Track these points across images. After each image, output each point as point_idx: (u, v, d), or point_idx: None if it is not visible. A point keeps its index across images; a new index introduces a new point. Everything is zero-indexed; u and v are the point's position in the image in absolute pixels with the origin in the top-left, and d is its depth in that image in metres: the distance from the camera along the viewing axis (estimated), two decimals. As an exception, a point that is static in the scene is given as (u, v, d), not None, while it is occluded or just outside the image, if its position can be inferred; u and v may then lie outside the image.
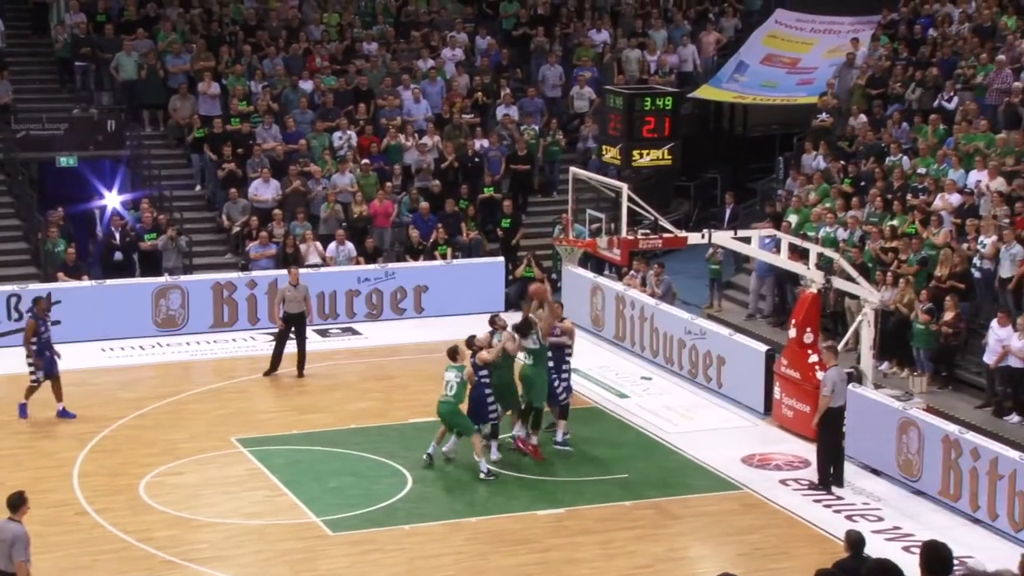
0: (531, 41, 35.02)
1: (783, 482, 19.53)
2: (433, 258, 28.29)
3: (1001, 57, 28.48)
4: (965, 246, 23.74)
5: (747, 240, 23.33)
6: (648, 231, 22.58)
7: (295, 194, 29.11)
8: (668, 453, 20.73)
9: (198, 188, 30.81)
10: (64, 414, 21.60)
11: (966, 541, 16.84)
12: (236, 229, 28.80)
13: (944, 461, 18.54)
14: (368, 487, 19.06)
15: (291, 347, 23.76)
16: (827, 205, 26.81)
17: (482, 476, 19.27)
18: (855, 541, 12.82)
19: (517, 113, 32.47)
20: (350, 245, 27.92)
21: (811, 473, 19.58)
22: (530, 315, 20.17)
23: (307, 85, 31.96)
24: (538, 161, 32.10)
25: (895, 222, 25.09)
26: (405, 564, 16.90)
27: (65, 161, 29.61)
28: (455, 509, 18.53)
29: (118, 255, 27.20)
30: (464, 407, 19.65)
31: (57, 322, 24.71)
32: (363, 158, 30.23)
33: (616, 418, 22.12)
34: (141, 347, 25.32)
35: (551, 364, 20.31)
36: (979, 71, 28.85)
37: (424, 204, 29.45)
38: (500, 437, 20.23)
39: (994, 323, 21.60)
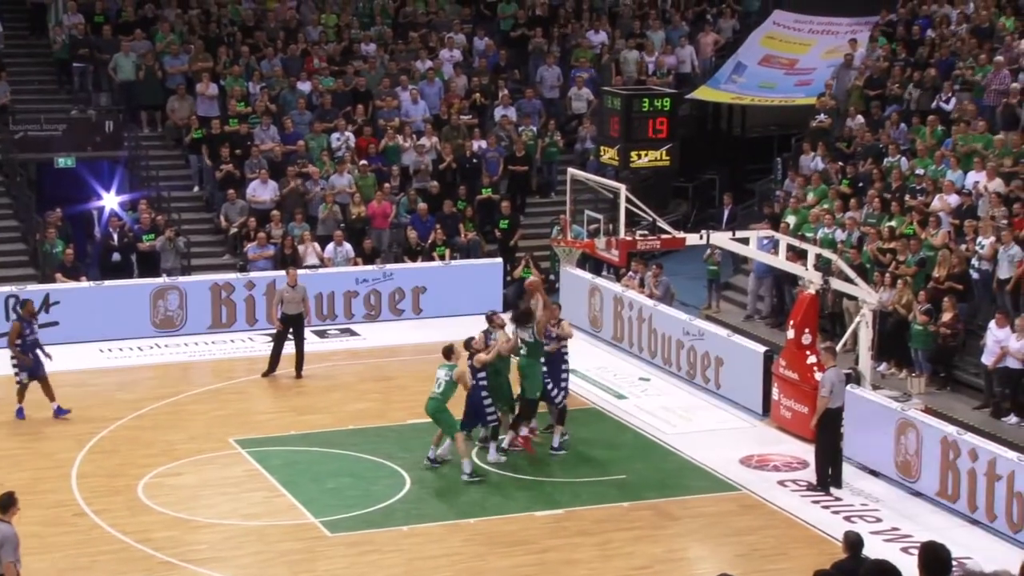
0: (529, 42, 35.01)
1: (781, 483, 19.53)
2: (431, 259, 28.29)
3: (999, 58, 28.49)
4: (963, 247, 23.74)
5: (745, 241, 23.35)
6: (646, 232, 22.59)
7: (293, 195, 29.11)
8: (666, 454, 20.73)
9: (196, 189, 30.81)
10: (59, 412, 21.59)
11: (964, 542, 16.84)
12: (234, 230, 28.80)
13: (942, 462, 18.54)
14: (366, 488, 19.07)
15: (289, 348, 23.76)
16: (825, 206, 26.82)
17: (465, 478, 19.22)
18: (853, 542, 12.83)
19: (515, 114, 32.47)
20: (348, 246, 27.92)
21: (809, 474, 19.58)
22: (530, 305, 20.20)
23: (305, 86, 31.96)
24: (536, 162, 32.10)
25: (893, 223, 25.09)
26: (403, 565, 16.90)
27: (63, 162, 29.60)
28: (453, 510, 18.53)
29: (116, 256, 27.19)
30: (460, 407, 19.64)
31: (55, 323, 24.85)
32: (361, 159, 30.23)
33: (614, 419, 22.12)
34: (139, 348, 25.31)
35: (546, 370, 20.31)
36: (977, 72, 28.86)
37: (422, 205, 29.45)
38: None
39: (992, 324, 21.60)
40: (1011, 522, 17.57)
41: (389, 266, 27.64)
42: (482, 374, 19.70)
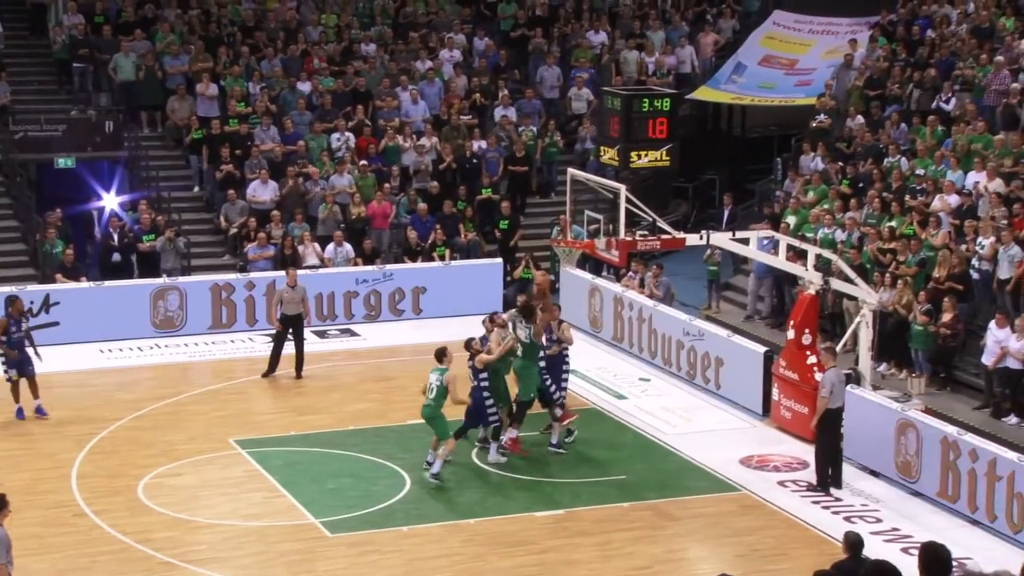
0: (529, 42, 35.01)
1: (781, 483, 19.53)
2: (431, 259, 28.29)
3: (999, 58, 28.49)
4: (963, 247, 23.74)
5: (745, 241, 23.34)
6: (646, 232, 22.59)
7: (293, 195, 29.10)
8: (666, 454, 20.73)
9: (196, 189, 30.80)
10: (39, 411, 21.57)
11: (964, 542, 16.84)
12: (234, 230, 28.80)
13: (942, 462, 18.54)
14: (366, 488, 19.06)
15: (289, 348, 23.76)
16: (825, 206, 26.81)
17: (429, 476, 19.10)
18: (853, 542, 12.82)
19: (515, 114, 32.47)
20: (348, 246, 27.91)
21: (809, 474, 19.58)
22: (535, 302, 20.20)
23: (305, 86, 31.96)
24: (536, 162, 32.10)
25: (893, 223, 25.09)
26: (403, 566, 16.90)
27: (63, 162, 29.60)
28: (453, 511, 18.52)
29: (116, 256, 27.18)
30: (462, 410, 19.66)
31: (56, 323, 24.83)
32: (361, 159, 30.23)
33: (614, 419, 22.12)
34: (139, 348, 25.31)
35: (547, 372, 20.30)
36: (977, 72, 28.85)
37: (422, 205, 29.45)
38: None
39: (992, 324, 21.60)
40: (1011, 522, 17.57)
41: (389, 266, 27.63)
42: (484, 374, 19.70)
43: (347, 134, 30.71)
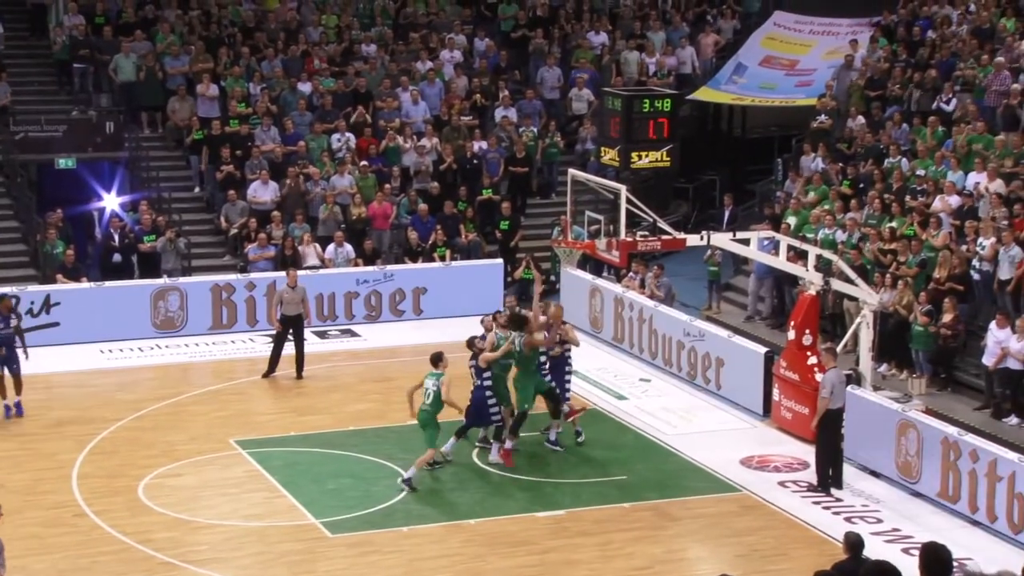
0: (529, 43, 35.02)
1: (782, 484, 19.52)
2: (432, 260, 28.29)
3: (1000, 59, 28.49)
4: (964, 248, 23.74)
5: (746, 242, 23.35)
6: (647, 233, 22.60)
7: (294, 196, 29.10)
8: (667, 455, 20.72)
9: (197, 190, 30.81)
10: (18, 408, 21.54)
11: (965, 543, 16.83)
12: (234, 231, 28.81)
13: (943, 463, 18.53)
14: (367, 489, 19.06)
15: (289, 349, 23.75)
16: (826, 207, 26.82)
17: (400, 481, 18.95)
18: (854, 543, 12.81)
19: (515, 115, 32.47)
20: (349, 247, 27.91)
21: (810, 475, 19.58)
22: (533, 312, 20.12)
23: (305, 87, 31.96)
24: (537, 163, 32.10)
25: (894, 224, 25.10)
26: (403, 566, 16.90)
27: (64, 163, 29.60)
28: (453, 511, 18.51)
29: (117, 257, 27.19)
30: (463, 415, 19.66)
31: (56, 324, 24.83)
32: (362, 160, 30.23)
33: (615, 420, 22.12)
34: (140, 349, 25.31)
35: (548, 372, 20.28)
36: (978, 73, 28.85)
37: (423, 206, 29.45)
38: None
39: (993, 325, 21.60)
40: (1012, 523, 17.56)
41: (390, 267, 27.63)
42: (487, 374, 19.68)
43: (348, 135, 30.72)
